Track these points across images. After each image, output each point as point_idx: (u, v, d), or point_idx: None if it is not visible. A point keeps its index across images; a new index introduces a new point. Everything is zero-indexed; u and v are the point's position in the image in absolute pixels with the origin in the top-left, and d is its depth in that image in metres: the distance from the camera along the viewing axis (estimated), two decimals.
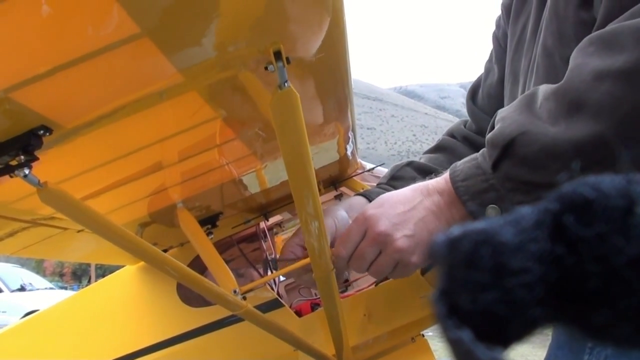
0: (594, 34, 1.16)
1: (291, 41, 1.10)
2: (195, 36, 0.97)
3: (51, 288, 19.11)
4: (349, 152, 2.38)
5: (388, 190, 1.78)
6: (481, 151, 1.31)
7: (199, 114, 1.33)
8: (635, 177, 0.56)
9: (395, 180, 1.91)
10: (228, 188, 2.05)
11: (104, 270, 29.76)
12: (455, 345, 0.58)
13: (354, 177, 2.76)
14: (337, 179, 2.74)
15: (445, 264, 0.61)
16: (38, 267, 37.31)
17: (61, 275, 39.69)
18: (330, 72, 1.38)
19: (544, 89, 1.21)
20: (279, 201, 2.61)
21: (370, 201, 1.74)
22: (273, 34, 1.05)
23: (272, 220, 2.97)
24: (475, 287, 0.57)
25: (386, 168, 3.00)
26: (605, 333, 0.57)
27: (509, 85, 1.70)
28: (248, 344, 2.57)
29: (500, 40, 1.88)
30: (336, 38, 1.20)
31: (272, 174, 2.11)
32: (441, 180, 1.40)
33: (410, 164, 1.96)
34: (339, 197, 3.00)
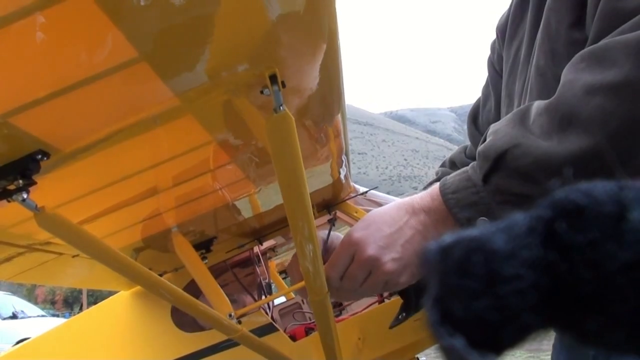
0: (585, 49, 1.18)
1: (286, 66, 1.11)
2: (192, 61, 0.98)
3: (43, 316, 18.95)
4: (342, 176, 2.39)
5: None
6: (472, 164, 1.32)
7: (195, 138, 1.34)
8: (626, 184, 0.57)
9: None
10: (222, 213, 2.05)
11: (95, 298, 29.60)
12: (448, 352, 0.59)
13: (347, 201, 2.77)
14: (330, 203, 2.75)
15: (438, 272, 0.61)
16: (30, 295, 37.10)
17: (53, 302, 39.46)
18: (324, 95, 1.40)
19: (536, 104, 1.22)
20: (272, 225, 2.62)
21: None
22: (269, 59, 1.07)
23: (266, 244, 2.98)
24: (467, 294, 0.58)
25: (379, 192, 3.01)
26: (598, 339, 0.58)
27: (504, 108, 1.71)
28: None
29: (495, 65, 1.89)
30: (330, 62, 1.22)
31: (266, 198, 2.11)
32: (426, 197, 1.41)
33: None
34: (332, 221, 3.00)
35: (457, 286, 0.60)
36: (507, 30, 1.73)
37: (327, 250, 1.73)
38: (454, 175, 1.36)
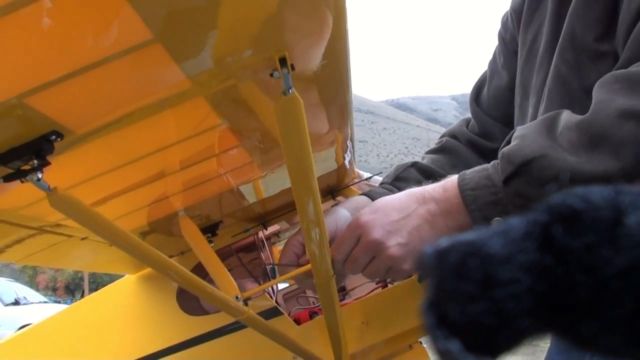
0: (620, 71, 1.19)
1: (296, 49, 1.12)
2: (205, 43, 0.99)
3: (45, 302, 19.05)
4: (346, 162, 2.40)
5: (391, 191, 1.79)
6: (492, 163, 1.33)
7: (205, 121, 1.36)
8: (623, 188, 0.58)
9: (399, 181, 1.92)
10: (229, 197, 2.07)
11: (97, 285, 29.64)
12: (444, 355, 0.60)
13: (352, 187, 2.78)
14: (334, 189, 2.76)
15: (434, 276, 0.62)
16: (31, 281, 37.14)
17: (54, 289, 39.49)
18: (331, 79, 1.41)
19: (566, 117, 1.23)
20: (277, 210, 2.63)
21: (373, 201, 1.76)
22: (279, 42, 1.08)
23: (270, 229, 2.99)
24: (464, 298, 0.59)
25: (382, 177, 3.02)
26: (594, 343, 0.59)
27: (519, 98, 1.70)
28: (247, 352, 2.58)
29: (508, 44, 1.87)
30: (338, 45, 1.23)
31: (272, 182, 2.13)
32: (438, 188, 1.42)
33: (414, 164, 1.97)
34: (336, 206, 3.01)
35: (453, 290, 0.60)
36: (524, 15, 1.72)
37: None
38: (473, 172, 1.37)
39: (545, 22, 1.58)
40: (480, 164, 1.65)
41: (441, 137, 2.14)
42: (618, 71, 1.20)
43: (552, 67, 1.47)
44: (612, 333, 0.57)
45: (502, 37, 1.93)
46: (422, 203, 1.42)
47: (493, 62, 2.00)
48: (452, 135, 2.08)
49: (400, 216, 1.42)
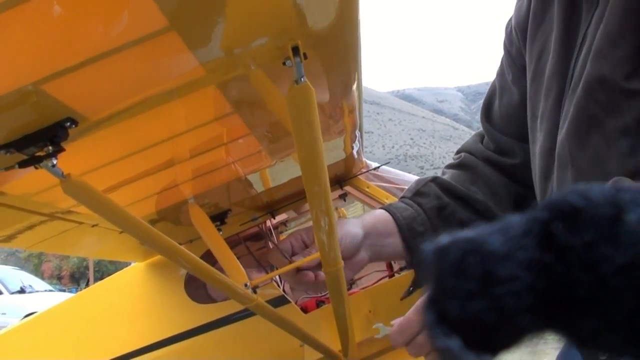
0: None
1: (308, 38, 1.13)
2: (219, 32, 1.00)
3: (50, 290, 19.06)
4: (355, 151, 2.41)
5: (411, 206, 1.77)
6: None
7: (217, 109, 1.37)
8: (623, 186, 0.58)
9: (420, 195, 1.83)
10: (238, 185, 2.08)
11: (102, 274, 29.68)
12: (444, 353, 0.60)
13: (359, 176, 2.79)
14: (342, 178, 2.77)
15: (434, 273, 0.63)
16: (36, 270, 37.20)
17: (59, 278, 39.54)
18: (342, 68, 1.41)
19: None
20: (285, 199, 2.64)
21: (393, 216, 1.75)
22: (292, 31, 1.09)
23: (278, 218, 3.00)
24: (463, 295, 0.59)
25: (390, 167, 3.02)
26: (594, 341, 0.59)
27: (529, 121, 1.69)
28: (255, 339, 2.60)
29: (515, 60, 1.82)
30: (350, 34, 1.24)
31: (281, 171, 2.14)
32: None
33: (434, 179, 1.90)
34: (343, 196, 3.02)
35: (453, 287, 0.60)
36: (529, 30, 1.68)
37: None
38: None
39: (552, 40, 1.56)
40: (500, 180, 1.64)
41: (457, 152, 2.10)
42: None
43: (577, 107, 1.43)
44: (613, 331, 0.57)
45: (507, 50, 1.89)
46: None
47: (501, 76, 1.96)
48: (469, 151, 2.04)
49: None
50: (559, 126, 1.51)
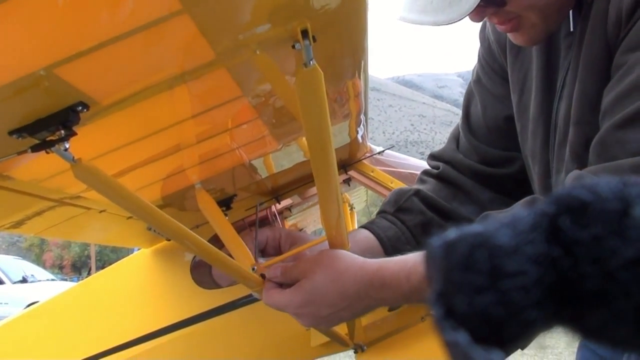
0: None
1: (317, 20, 1.13)
2: (231, 13, 1.00)
3: (52, 279, 19.11)
4: (359, 135, 2.41)
5: (394, 224, 1.77)
6: None
7: (227, 93, 1.37)
8: (631, 180, 0.58)
9: (403, 212, 1.85)
10: (244, 170, 2.08)
11: (103, 263, 29.75)
12: (452, 347, 0.61)
13: (363, 160, 2.79)
14: (346, 162, 2.78)
15: (442, 267, 0.63)
16: (38, 259, 37.30)
17: (61, 267, 39.65)
18: (349, 51, 1.42)
19: None
20: (290, 184, 2.65)
21: (377, 237, 1.77)
22: (301, 13, 1.09)
23: (282, 204, 3.01)
24: (471, 290, 0.59)
25: (394, 152, 3.03)
26: (602, 334, 0.59)
27: (522, 151, 1.69)
28: (261, 324, 2.61)
29: (498, 74, 1.84)
30: (357, 16, 1.24)
31: (287, 155, 2.14)
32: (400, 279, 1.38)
33: (417, 193, 1.88)
34: (347, 181, 3.03)
35: (461, 281, 0.60)
36: (508, 52, 1.72)
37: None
38: None
39: (533, 77, 1.57)
40: (483, 193, 1.65)
41: (434, 158, 2.03)
42: None
43: (567, 172, 1.42)
44: (620, 324, 0.57)
45: (487, 62, 1.89)
46: (365, 297, 1.41)
47: (478, 83, 1.94)
48: (447, 162, 1.96)
49: (330, 312, 1.45)
50: (549, 167, 1.53)
